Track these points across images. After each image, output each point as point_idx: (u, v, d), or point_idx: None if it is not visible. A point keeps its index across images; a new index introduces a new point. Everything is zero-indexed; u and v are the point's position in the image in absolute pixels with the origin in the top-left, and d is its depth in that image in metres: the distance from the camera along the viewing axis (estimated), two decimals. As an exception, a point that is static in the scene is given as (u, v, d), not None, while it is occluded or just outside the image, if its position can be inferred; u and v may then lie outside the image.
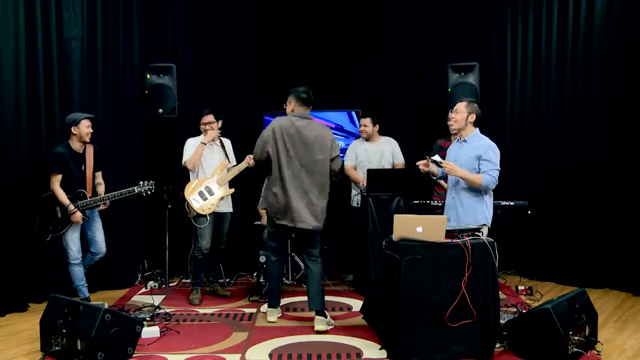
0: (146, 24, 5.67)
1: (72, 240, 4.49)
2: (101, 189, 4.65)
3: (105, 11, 5.26)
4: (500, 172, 3.89)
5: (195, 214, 4.72)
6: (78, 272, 4.55)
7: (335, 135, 4.43)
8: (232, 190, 4.90)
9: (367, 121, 5.28)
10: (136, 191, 4.54)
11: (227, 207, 4.95)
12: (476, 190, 3.91)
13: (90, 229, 4.65)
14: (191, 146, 4.83)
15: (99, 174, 4.68)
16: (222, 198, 4.81)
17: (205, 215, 4.71)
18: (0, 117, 4.51)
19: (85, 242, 4.67)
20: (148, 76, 5.41)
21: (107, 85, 5.30)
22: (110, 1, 5.30)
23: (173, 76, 5.41)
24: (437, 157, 3.99)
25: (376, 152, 5.29)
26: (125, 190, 4.52)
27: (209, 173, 4.82)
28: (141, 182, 4.57)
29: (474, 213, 3.91)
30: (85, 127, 4.45)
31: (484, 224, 3.86)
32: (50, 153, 4.51)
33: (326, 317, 4.14)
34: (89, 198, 4.51)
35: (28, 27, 4.64)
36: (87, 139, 4.48)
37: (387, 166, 5.23)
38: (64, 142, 4.51)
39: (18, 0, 4.54)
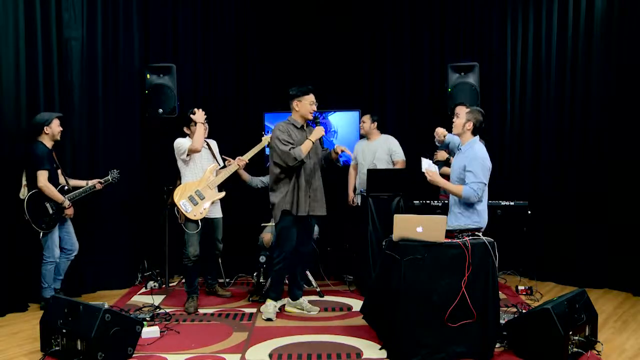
0: (146, 24, 5.67)
1: (56, 239, 4.61)
2: (75, 181, 4.81)
3: (105, 11, 5.27)
4: (485, 184, 3.82)
5: (185, 219, 4.63)
6: (52, 271, 4.61)
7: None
8: (223, 193, 4.80)
9: (365, 118, 5.42)
10: (110, 180, 4.93)
11: (218, 213, 4.86)
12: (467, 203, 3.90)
13: (63, 228, 4.71)
14: (185, 141, 4.70)
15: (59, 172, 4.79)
16: (212, 202, 4.73)
17: (197, 221, 4.64)
18: (0, 117, 4.51)
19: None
20: (148, 76, 5.41)
21: (107, 85, 5.30)
22: (110, 1, 5.31)
23: (173, 76, 5.40)
24: (424, 165, 3.99)
25: (370, 151, 5.33)
26: (103, 180, 4.90)
27: (199, 176, 4.73)
28: (111, 172, 4.96)
29: (462, 218, 3.88)
30: (56, 126, 4.56)
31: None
32: (34, 152, 4.48)
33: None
34: (72, 192, 4.71)
35: (28, 27, 4.64)
36: (59, 137, 4.60)
37: (381, 165, 5.23)
38: (38, 141, 4.52)
39: (18, 0, 4.55)
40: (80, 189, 4.75)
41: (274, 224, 4.53)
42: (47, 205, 4.52)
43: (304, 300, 4.61)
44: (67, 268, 4.74)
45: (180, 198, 4.61)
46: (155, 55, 5.69)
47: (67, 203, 4.58)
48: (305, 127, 4.41)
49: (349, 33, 6.24)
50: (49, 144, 4.57)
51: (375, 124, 5.37)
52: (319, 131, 4.35)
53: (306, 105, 4.32)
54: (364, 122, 5.41)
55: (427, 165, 4.01)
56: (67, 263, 4.73)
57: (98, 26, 5.19)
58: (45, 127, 4.51)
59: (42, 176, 4.45)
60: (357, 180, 5.44)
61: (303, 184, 4.32)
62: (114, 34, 5.36)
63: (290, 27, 6.19)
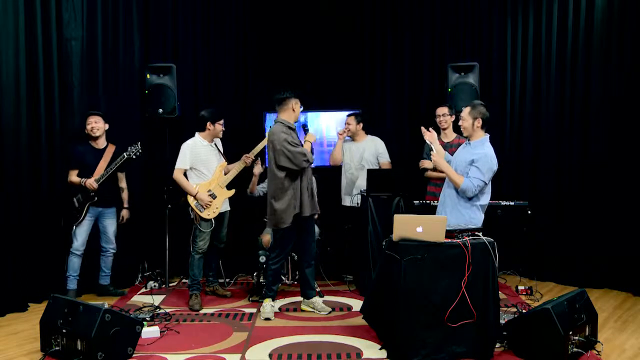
0: (146, 24, 5.67)
1: (80, 231, 4.77)
2: (123, 184, 5.05)
3: (105, 11, 5.26)
4: (485, 184, 3.81)
5: (199, 219, 4.70)
6: (74, 263, 4.80)
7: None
8: (233, 191, 4.89)
9: (350, 119, 5.34)
10: (126, 156, 4.84)
11: (226, 206, 4.94)
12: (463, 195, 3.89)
13: (102, 222, 4.92)
14: (187, 148, 4.75)
15: (122, 176, 5.03)
16: (223, 200, 4.81)
17: (210, 220, 4.71)
18: (0, 117, 4.51)
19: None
20: (148, 76, 5.41)
21: (107, 85, 5.30)
22: (110, 1, 5.30)
23: (173, 76, 5.40)
24: (435, 146, 4.06)
25: (357, 152, 5.32)
26: (118, 159, 4.83)
27: (210, 175, 4.79)
28: (129, 147, 4.87)
29: (457, 215, 3.86)
30: (87, 125, 4.79)
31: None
32: (70, 149, 4.84)
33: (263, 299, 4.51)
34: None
35: (28, 27, 4.64)
36: (92, 134, 4.81)
37: (368, 166, 5.23)
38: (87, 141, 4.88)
39: (18, 0, 4.55)
40: (100, 175, 4.83)
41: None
42: (74, 199, 4.76)
43: (318, 299, 4.62)
44: (110, 264, 5.02)
45: (194, 199, 4.67)
46: (155, 55, 5.68)
47: (82, 179, 4.74)
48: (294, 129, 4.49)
49: (349, 33, 6.24)
50: (92, 141, 4.87)
51: (361, 125, 5.34)
52: (312, 136, 4.53)
53: (299, 107, 4.46)
54: (349, 123, 5.32)
55: (438, 147, 4.07)
56: (106, 260, 5.01)
57: (98, 26, 5.18)
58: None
59: (70, 173, 4.78)
60: (343, 181, 5.43)
61: (305, 186, 4.36)
62: (114, 34, 5.35)
63: (290, 27, 6.19)
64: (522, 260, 5.54)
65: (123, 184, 5.03)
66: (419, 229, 3.45)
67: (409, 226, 3.47)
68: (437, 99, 5.76)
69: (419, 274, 3.42)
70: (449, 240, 3.48)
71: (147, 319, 4.17)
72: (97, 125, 4.81)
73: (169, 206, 5.35)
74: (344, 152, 5.39)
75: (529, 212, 5.00)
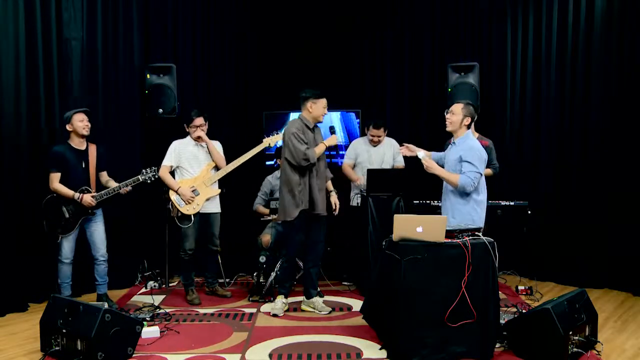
0: (146, 24, 5.67)
1: (67, 240, 4.50)
2: (112, 184, 4.64)
3: (105, 11, 5.27)
4: (481, 174, 3.83)
5: (178, 213, 4.70)
6: (65, 271, 4.52)
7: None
8: (219, 190, 4.86)
9: (381, 132, 5.22)
10: (140, 179, 4.57)
11: (215, 208, 4.87)
12: (463, 192, 3.89)
13: (89, 227, 4.63)
14: (173, 148, 4.79)
15: (104, 174, 4.67)
16: (207, 199, 4.77)
17: (190, 216, 4.70)
18: (0, 117, 4.51)
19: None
20: (148, 76, 5.41)
21: (107, 85, 5.30)
22: (110, 1, 5.31)
23: (173, 76, 5.40)
24: (420, 154, 4.04)
25: (378, 155, 5.28)
26: (130, 180, 4.54)
27: (196, 174, 4.78)
28: (143, 170, 4.60)
29: (459, 215, 3.88)
30: (78, 122, 4.43)
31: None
32: (48, 152, 4.51)
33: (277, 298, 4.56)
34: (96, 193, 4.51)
35: (28, 27, 4.64)
36: (84, 133, 4.46)
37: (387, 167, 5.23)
38: (65, 142, 4.52)
39: (18, 0, 4.55)
40: (105, 191, 4.51)
41: (275, 223, 4.57)
42: (63, 209, 4.46)
43: (318, 299, 4.63)
44: (103, 272, 4.67)
45: (175, 194, 4.71)
46: (155, 55, 5.69)
47: (77, 195, 4.38)
48: (314, 129, 4.50)
49: (349, 33, 6.25)
50: (75, 142, 4.48)
51: (386, 131, 5.30)
52: (333, 139, 4.52)
53: (320, 107, 4.45)
54: (379, 136, 5.21)
55: (423, 154, 4.08)
56: (97, 268, 4.65)
57: (98, 26, 5.19)
58: (67, 125, 4.45)
59: (51, 178, 4.39)
60: (362, 181, 5.41)
61: (315, 184, 4.40)
62: (114, 34, 5.36)
63: (290, 27, 6.19)
64: (522, 260, 5.54)
65: (112, 183, 4.62)
66: (419, 229, 3.45)
67: (409, 226, 3.47)
68: (437, 99, 5.76)
69: (419, 274, 3.42)
70: (449, 240, 3.48)
71: (147, 319, 4.16)
72: (88, 124, 4.48)
73: (169, 206, 5.34)
74: (361, 152, 5.33)
75: (529, 212, 5.00)
